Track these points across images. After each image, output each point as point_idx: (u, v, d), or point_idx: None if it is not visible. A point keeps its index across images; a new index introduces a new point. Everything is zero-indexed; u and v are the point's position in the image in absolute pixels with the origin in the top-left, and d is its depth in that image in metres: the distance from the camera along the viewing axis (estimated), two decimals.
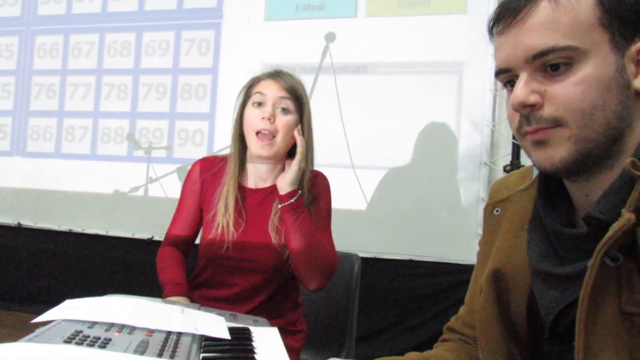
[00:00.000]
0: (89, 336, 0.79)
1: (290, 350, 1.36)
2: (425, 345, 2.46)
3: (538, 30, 0.66)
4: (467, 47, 2.53)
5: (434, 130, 2.60)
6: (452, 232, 2.53)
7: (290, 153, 1.41)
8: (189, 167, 1.51)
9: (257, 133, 1.36)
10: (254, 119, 1.36)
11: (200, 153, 2.87)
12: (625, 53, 0.66)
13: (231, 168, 1.42)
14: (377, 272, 2.54)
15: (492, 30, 0.72)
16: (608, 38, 0.65)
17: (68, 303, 0.98)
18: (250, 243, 1.38)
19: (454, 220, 2.54)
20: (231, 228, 1.37)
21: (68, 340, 0.76)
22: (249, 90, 1.42)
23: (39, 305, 2.86)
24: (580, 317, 0.63)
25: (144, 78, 3.06)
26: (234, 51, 2.91)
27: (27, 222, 3.07)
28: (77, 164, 3.10)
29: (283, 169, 1.41)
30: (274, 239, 1.37)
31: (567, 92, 0.65)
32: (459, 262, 2.45)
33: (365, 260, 2.17)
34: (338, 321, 1.65)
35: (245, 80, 2.80)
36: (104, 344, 0.77)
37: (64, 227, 3.01)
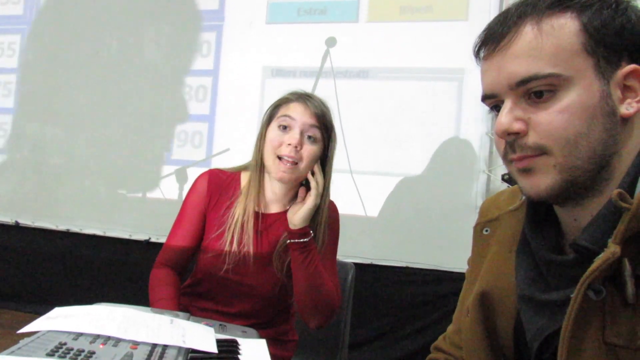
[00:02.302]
0: (72, 349, 0.79)
1: (280, 359, 1.37)
2: (419, 353, 2.45)
3: (521, 57, 0.65)
4: (468, 54, 2.51)
5: (432, 137, 2.59)
6: (449, 239, 2.52)
7: (303, 181, 1.37)
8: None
9: (279, 157, 1.30)
10: (278, 142, 1.30)
11: (199, 155, 2.87)
12: (610, 79, 0.65)
13: (252, 194, 1.35)
14: (373, 279, 2.53)
15: (478, 54, 0.72)
16: (592, 64, 0.64)
17: (57, 311, 0.98)
18: (252, 269, 1.34)
19: (451, 228, 2.53)
20: (235, 252, 1.32)
21: (51, 353, 0.76)
22: (275, 111, 1.35)
23: (35, 304, 2.89)
24: (562, 348, 0.62)
25: None
26: (234, 53, 2.90)
27: (25, 221, 3.07)
28: (76, 164, 3.10)
29: (294, 196, 1.38)
30: (276, 267, 1.34)
31: (551, 120, 0.64)
32: (455, 270, 2.44)
33: (361, 266, 2.16)
34: (330, 330, 1.64)
35: (244, 81, 2.82)
36: (87, 357, 0.77)
37: (62, 227, 3.01)
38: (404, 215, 2.62)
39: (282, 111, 1.33)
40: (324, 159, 1.36)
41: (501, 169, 2.46)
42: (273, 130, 1.33)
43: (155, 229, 2.82)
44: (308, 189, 1.34)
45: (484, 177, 2.52)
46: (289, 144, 1.28)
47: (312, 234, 1.31)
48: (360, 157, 2.64)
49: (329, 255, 1.37)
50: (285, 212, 1.36)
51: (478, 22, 2.52)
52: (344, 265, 1.68)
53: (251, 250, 1.33)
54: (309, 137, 1.31)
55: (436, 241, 2.56)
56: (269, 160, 1.32)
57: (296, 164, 1.30)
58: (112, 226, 2.96)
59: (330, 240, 1.37)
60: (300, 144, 1.29)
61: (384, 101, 2.67)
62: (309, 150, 1.30)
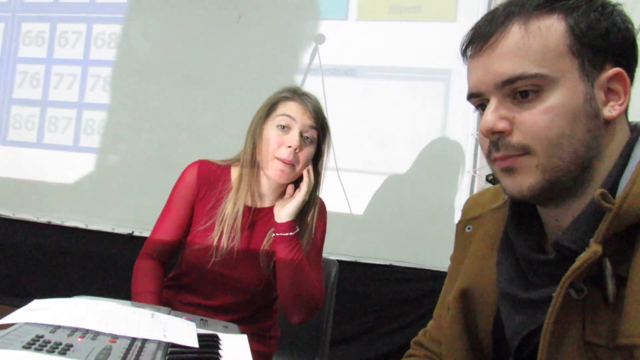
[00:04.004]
0: (49, 341, 0.78)
1: (262, 355, 1.37)
2: (401, 351, 2.46)
3: (507, 57, 0.66)
4: (455, 54, 2.52)
5: (418, 136, 2.60)
6: (433, 239, 2.53)
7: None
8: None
9: (277, 157, 1.29)
10: (277, 143, 1.29)
11: (190, 149, 2.85)
12: (595, 81, 0.65)
13: (244, 189, 1.34)
14: (357, 276, 2.54)
15: (465, 52, 0.72)
16: (577, 66, 0.65)
17: (36, 304, 0.96)
18: (238, 263, 1.34)
19: (436, 227, 2.54)
20: (223, 246, 1.32)
21: (27, 346, 0.74)
22: (272, 108, 1.34)
23: (14, 297, 2.84)
24: (542, 346, 0.63)
25: None
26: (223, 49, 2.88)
27: (5, 212, 3.01)
28: (58, 155, 3.05)
29: (283, 192, 1.38)
30: (262, 262, 1.34)
31: (535, 120, 0.65)
32: (439, 269, 2.45)
33: (345, 264, 2.16)
34: (312, 326, 1.64)
35: (232, 77, 2.80)
36: (65, 350, 0.76)
37: (43, 219, 2.96)
38: (388, 214, 2.63)
39: (281, 110, 1.32)
40: (317, 157, 1.36)
41: (486, 169, 2.48)
42: (271, 129, 1.31)
43: (138, 222, 2.79)
44: (296, 185, 1.34)
45: (469, 177, 2.53)
46: (289, 146, 1.28)
47: (298, 229, 1.31)
48: (346, 155, 2.63)
49: (315, 251, 1.37)
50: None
51: (466, 24, 2.49)
52: (327, 262, 1.68)
53: (240, 244, 1.33)
54: (307, 137, 1.31)
55: (420, 240, 2.57)
56: (266, 159, 1.31)
57: (294, 166, 1.30)
58: (95, 219, 2.92)
59: (316, 237, 1.37)
60: (300, 146, 1.29)
61: (371, 100, 2.67)
62: (306, 152, 1.31)
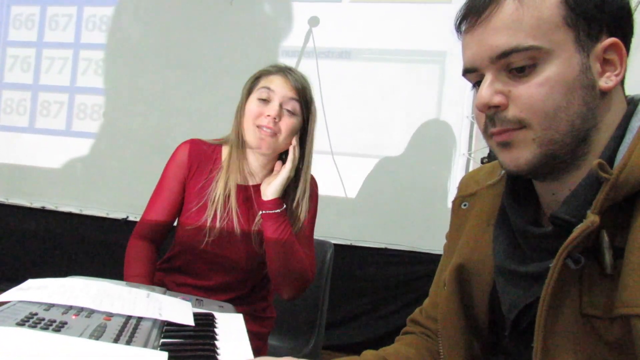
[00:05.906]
0: (43, 319, 0.77)
1: (257, 335, 1.37)
2: (396, 333, 2.48)
3: (502, 30, 0.65)
4: (450, 37, 2.51)
5: (414, 119, 2.60)
6: (428, 221, 2.54)
7: (282, 154, 1.36)
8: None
9: (258, 126, 1.29)
10: (258, 113, 1.29)
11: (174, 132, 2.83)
12: (590, 52, 0.65)
13: (234, 168, 1.34)
14: (352, 260, 2.55)
15: (459, 28, 0.71)
16: (573, 37, 0.64)
17: (30, 283, 0.96)
18: (231, 242, 1.33)
19: (431, 210, 2.55)
20: (217, 225, 1.31)
21: (21, 323, 0.74)
22: (254, 83, 1.34)
23: (9, 283, 2.82)
24: (539, 318, 0.63)
25: None
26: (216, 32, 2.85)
27: None
28: (51, 140, 3.03)
29: (273, 170, 1.37)
30: (254, 240, 1.34)
31: (531, 93, 0.64)
32: (434, 252, 2.46)
33: (340, 247, 2.17)
34: (308, 308, 1.65)
35: (225, 61, 2.77)
36: (59, 327, 0.75)
37: (37, 204, 2.95)
38: (383, 197, 2.63)
39: (262, 83, 1.32)
40: (304, 133, 1.35)
41: (481, 152, 2.48)
42: (252, 102, 1.32)
43: (133, 207, 2.78)
44: (284, 163, 1.34)
45: (464, 160, 2.53)
46: (268, 115, 1.28)
47: (285, 206, 1.31)
48: (341, 138, 2.63)
49: (305, 227, 1.37)
50: None
51: (461, 5, 2.51)
52: (322, 243, 1.68)
53: (232, 223, 1.33)
54: (288, 110, 1.30)
55: (415, 223, 2.57)
56: (249, 130, 1.31)
57: (275, 134, 1.29)
58: (89, 204, 2.91)
59: (309, 216, 1.37)
60: (279, 115, 1.28)
61: (365, 82, 2.66)
62: (288, 122, 1.30)
